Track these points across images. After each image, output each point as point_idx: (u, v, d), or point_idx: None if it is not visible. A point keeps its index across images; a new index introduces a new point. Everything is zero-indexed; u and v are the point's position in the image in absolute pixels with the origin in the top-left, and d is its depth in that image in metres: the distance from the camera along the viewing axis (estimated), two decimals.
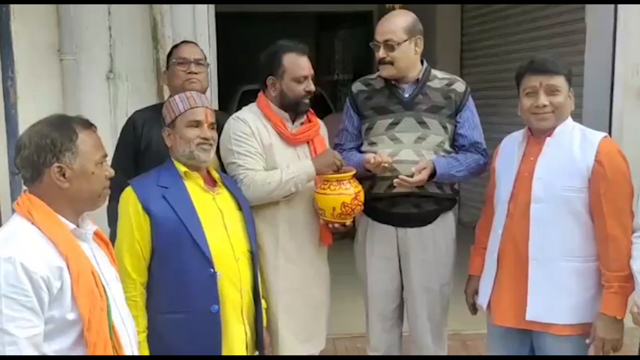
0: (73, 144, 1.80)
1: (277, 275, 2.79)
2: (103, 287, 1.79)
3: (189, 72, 2.90)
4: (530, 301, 2.50)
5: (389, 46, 2.87)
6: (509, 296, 2.59)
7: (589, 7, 4.04)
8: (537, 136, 2.58)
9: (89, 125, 1.88)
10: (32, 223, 1.75)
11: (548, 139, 2.53)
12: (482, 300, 2.73)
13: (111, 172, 1.91)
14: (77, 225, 1.87)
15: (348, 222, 2.80)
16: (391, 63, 2.89)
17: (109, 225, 2.70)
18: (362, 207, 2.80)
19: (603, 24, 3.87)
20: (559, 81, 2.49)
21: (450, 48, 7.03)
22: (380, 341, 3.09)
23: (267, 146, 2.76)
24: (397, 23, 2.89)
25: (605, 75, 3.95)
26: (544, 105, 2.48)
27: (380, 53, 2.90)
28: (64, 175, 1.79)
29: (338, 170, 2.78)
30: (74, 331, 1.72)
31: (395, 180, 2.83)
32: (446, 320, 3.08)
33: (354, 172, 2.78)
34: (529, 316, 2.50)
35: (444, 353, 3.09)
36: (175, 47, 3.06)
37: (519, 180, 2.56)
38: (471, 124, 3.00)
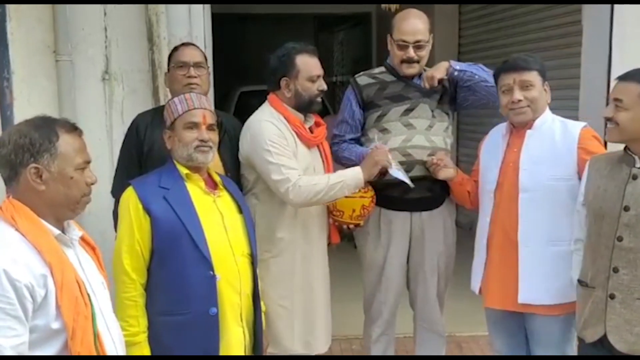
0: (52, 146, 1.75)
1: (294, 274, 2.87)
2: (88, 295, 1.76)
3: (189, 77, 2.89)
4: (522, 285, 2.65)
5: (419, 46, 3.06)
6: (499, 280, 2.74)
7: (585, 9, 4.04)
8: (519, 129, 2.73)
9: (73, 128, 1.83)
10: (16, 229, 1.71)
11: (528, 131, 2.70)
12: (474, 285, 2.86)
13: (94, 179, 1.86)
14: (63, 230, 1.83)
15: (362, 223, 2.95)
16: (418, 62, 3.08)
17: (115, 230, 2.66)
18: (374, 209, 2.96)
19: (599, 26, 3.87)
20: (531, 76, 2.65)
21: (448, 49, 7.02)
22: (386, 322, 3.27)
23: (293, 150, 2.83)
24: (423, 24, 3.09)
25: (602, 77, 3.94)
26: (519, 100, 2.65)
27: (411, 53, 3.06)
28: (40, 177, 1.75)
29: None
30: (59, 340, 1.69)
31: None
32: (446, 292, 3.32)
33: None
34: (521, 299, 2.66)
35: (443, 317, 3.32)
36: (175, 49, 3.04)
37: (504, 170, 2.72)
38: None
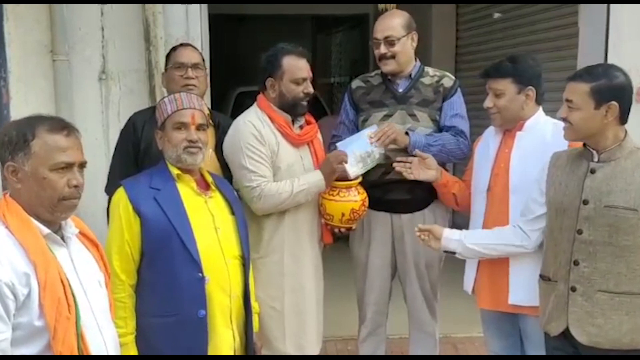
0: (27, 145, 1.75)
1: (284, 275, 2.87)
2: (73, 295, 1.75)
3: (186, 77, 2.90)
4: (512, 286, 2.67)
5: (390, 42, 3.08)
6: (490, 281, 2.76)
7: (582, 12, 4.06)
8: (510, 130, 2.75)
9: (60, 128, 1.81)
10: (6, 227, 1.72)
11: (519, 132, 2.73)
12: (467, 285, 2.87)
13: (78, 181, 1.81)
14: (60, 227, 1.84)
15: (354, 226, 2.95)
16: (393, 57, 3.09)
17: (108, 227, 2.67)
18: (366, 212, 2.94)
19: (595, 28, 3.89)
20: (502, 84, 2.68)
21: (446, 52, 7.04)
22: (373, 321, 3.29)
23: (273, 150, 2.83)
24: (395, 20, 3.11)
25: None
26: (488, 107, 2.72)
27: (382, 49, 3.10)
28: (16, 175, 1.77)
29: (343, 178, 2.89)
30: (43, 338, 1.70)
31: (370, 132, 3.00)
32: (437, 295, 3.30)
33: (360, 179, 2.93)
34: (512, 300, 2.68)
35: (438, 325, 3.33)
36: (173, 49, 3.05)
37: (496, 171, 2.74)
38: (450, 110, 3.17)
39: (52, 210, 1.79)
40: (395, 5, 5.30)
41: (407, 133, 3.05)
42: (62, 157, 1.78)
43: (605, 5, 3.80)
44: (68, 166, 1.79)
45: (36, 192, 1.76)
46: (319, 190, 2.86)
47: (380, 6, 5.34)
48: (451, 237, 2.72)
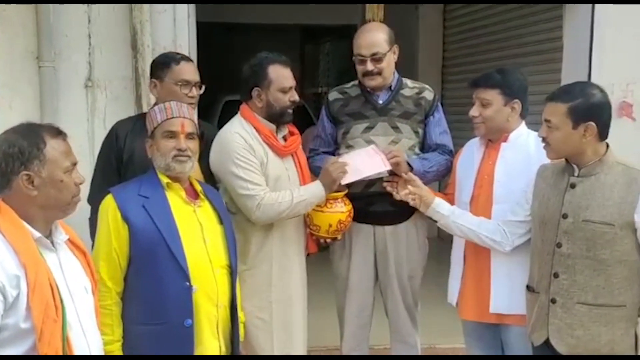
0: (40, 152, 1.82)
1: (271, 286, 2.86)
2: (61, 299, 1.80)
3: (191, 96, 2.84)
4: (494, 295, 2.70)
5: (377, 59, 3.04)
6: (474, 292, 2.78)
7: (566, 26, 4.11)
8: (494, 141, 2.78)
9: (58, 133, 1.90)
10: None
11: (503, 144, 2.76)
12: (451, 297, 2.89)
13: (82, 179, 1.92)
14: (50, 233, 1.89)
15: (339, 237, 2.96)
16: (379, 73, 3.06)
17: (91, 238, 2.64)
18: (351, 223, 2.95)
19: (579, 43, 3.94)
20: (490, 94, 2.70)
21: (432, 64, 7.08)
22: (355, 336, 3.26)
23: (263, 161, 2.82)
24: (379, 36, 3.07)
25: None
26: (474, 116, 2.74)
27: (369, 66, 3.06)
28: (32, 183, 1.82)
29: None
30: (28, 340, 1.74)
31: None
32: (418, 305, 3.30)
33: (346, 190, 2.93)
34: (493, 309, 2.70)
35: (419, 333, 3.31)
36: (174, 63, 2.88)
37: (479, 182, 2.77)
38: (437, 127, 3.19)
39: (65, 209, 1.90)
40: (383, 13, 5.30)
41: (407, 162, 3.03)
42: (70, 159, 1.89)
43: (590, 20, 3.86)
44: (73, 167, 1.90)
45: (54, 195, 1.85)
46: (319, 200, 2.85)
47: (368, 16, 5.33)
48: (440, 210, 2.76)
